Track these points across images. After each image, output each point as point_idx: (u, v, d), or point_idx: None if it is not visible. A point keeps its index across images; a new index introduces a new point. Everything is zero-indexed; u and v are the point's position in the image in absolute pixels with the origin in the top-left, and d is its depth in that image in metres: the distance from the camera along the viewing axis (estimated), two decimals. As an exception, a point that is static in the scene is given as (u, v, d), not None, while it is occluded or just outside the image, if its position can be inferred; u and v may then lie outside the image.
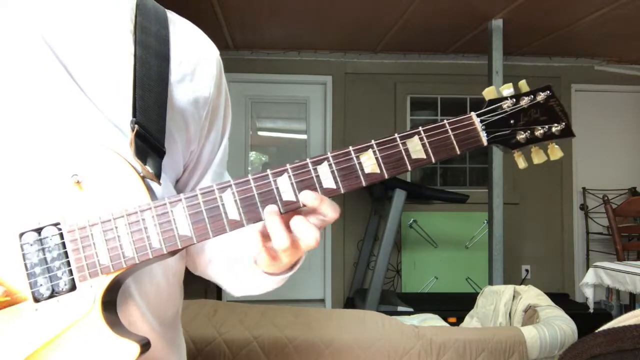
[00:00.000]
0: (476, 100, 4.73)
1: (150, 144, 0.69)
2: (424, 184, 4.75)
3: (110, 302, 0.65)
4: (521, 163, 0.70)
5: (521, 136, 0.69)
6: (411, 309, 3.60)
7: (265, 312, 1.89)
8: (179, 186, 0.81)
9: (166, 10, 0.82)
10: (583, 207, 4.86)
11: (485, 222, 4.30)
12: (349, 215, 4.61)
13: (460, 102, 4.85)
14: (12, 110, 0.66)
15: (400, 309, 3.67)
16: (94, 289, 0.63)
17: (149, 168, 0.67)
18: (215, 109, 0.82)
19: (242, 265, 0.78)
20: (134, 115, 0.68)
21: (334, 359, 1.70)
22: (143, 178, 0.66)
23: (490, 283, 3.60)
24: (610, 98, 4.94)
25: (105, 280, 0.63)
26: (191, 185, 0.82)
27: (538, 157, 0.70)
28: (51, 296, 0.63)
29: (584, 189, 4.86)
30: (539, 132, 0.69)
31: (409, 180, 4.64)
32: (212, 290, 4.37)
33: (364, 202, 4.59)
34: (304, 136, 4.94)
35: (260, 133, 5.10)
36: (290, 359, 1.70)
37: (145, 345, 0.64)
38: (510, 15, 3.66)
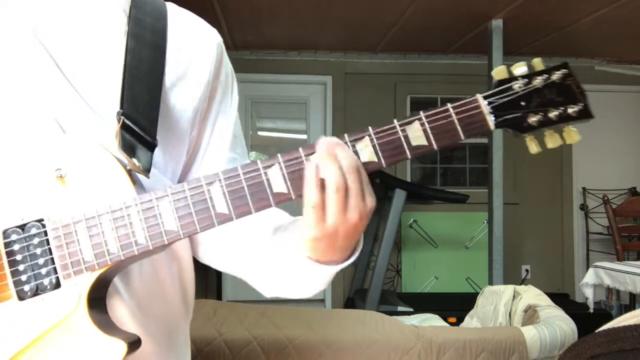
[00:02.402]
0: (476, 100, 4.72)
1: (138, 136, 0.67)
2: (424, 184, 4.75)
3: (98, 299, 0.63)
4: (533, 148, 0.64)
5: (533, 119, 0.63)
6: (411, 309, 3.60)
7: (265, 312, 1.89)
8: (182, 175, 0.79)
9: (167, 2, 0.81)
10: (583, 207, 4.86)
11: (485, 222, 4.29)
12: (349, 215, 4.61)
13: (460, 102, 4.84)
14: None
15: (400, 309, 3.67)
16: (78, 287, 0.61)
17: (135, 161, 0.65)
18: (213, 91, 0.81)
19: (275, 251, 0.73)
20: (122, 107, 0.67)
21: (334, 359, 1.70)
22: (129, 172, 0.64)
23: (490, 283, 3.60)
24: (610, 98, 4.93)
25: (90, 278, 0.62)
26: (193, 171, 0.80)
27: (553, 141, 0.64)
28: (35, 294, 0.62)
29: (584, 189, 4.86)
30: (554, 113, 0.63)
31: (409, 180, 4.65)
32: (212, 290, 4.37)
33: (364, 202, 4.58)
34: (304, 136, 4.94)
35: (260, 133, 5.10)
36: (290, 359, 1.70)
37: (134, 344, 0.62)
38: (510, 15, 3.65)
